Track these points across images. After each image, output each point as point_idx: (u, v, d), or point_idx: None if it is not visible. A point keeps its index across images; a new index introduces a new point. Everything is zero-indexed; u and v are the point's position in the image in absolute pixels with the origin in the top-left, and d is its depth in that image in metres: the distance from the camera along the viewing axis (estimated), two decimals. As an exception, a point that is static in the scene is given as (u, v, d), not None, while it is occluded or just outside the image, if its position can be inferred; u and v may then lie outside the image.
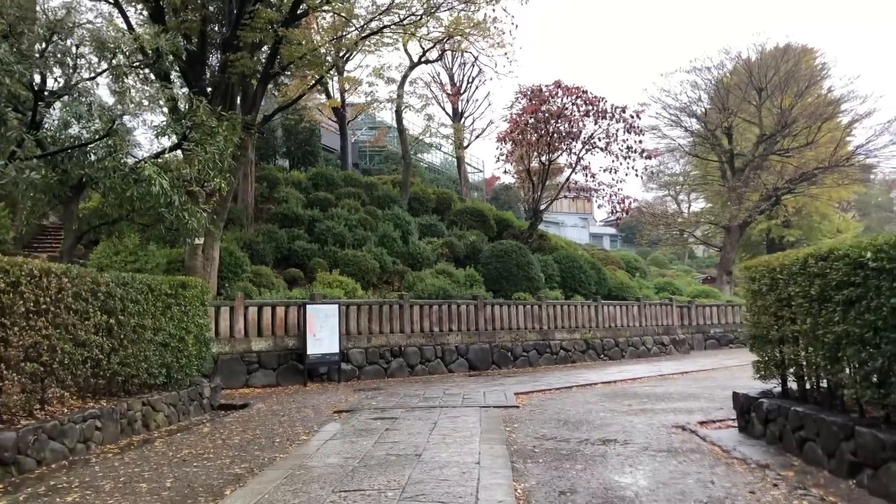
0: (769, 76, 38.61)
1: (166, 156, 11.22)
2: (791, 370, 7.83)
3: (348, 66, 31.37)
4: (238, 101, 18.92)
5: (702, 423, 9.27)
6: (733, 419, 9.37)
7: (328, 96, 30.02)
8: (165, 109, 12.91)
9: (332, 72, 28.10)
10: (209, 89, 17.34)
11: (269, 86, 21.19)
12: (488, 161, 67.40)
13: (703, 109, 41.13)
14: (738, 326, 29.66)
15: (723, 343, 28.89)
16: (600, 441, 8.14)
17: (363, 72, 41.81)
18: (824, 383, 7.25)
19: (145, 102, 10.87)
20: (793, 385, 8.00)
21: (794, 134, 38.23)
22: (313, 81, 18.56)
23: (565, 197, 29.76)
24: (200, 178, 11.23)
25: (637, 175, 27.60)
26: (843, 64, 69.21)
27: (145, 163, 10.19)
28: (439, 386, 15.38)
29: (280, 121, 33.08)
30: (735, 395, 8.73)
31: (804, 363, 7.35)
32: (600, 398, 12.38)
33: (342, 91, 31.12)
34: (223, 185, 11.01)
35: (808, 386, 7.54)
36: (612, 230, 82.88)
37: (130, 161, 11.13)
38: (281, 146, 33.48)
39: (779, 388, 8.34)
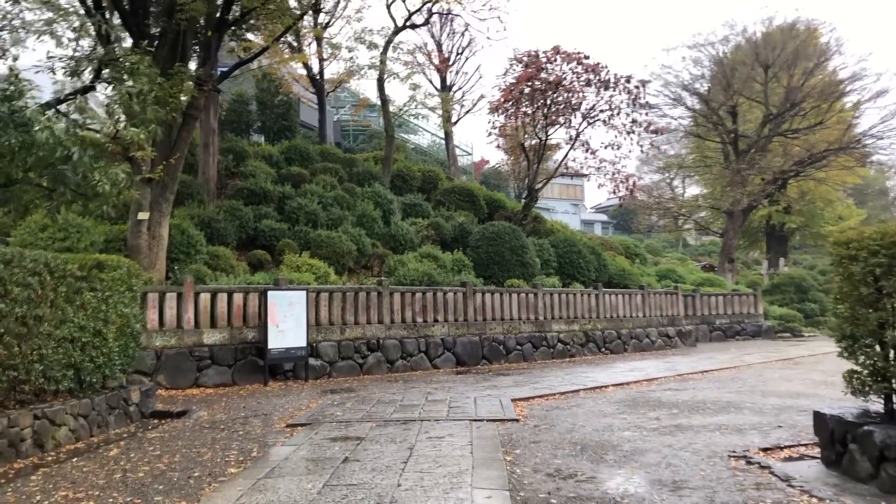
0: (776, 53, 36.39)
1: (78, 101, 8.73)
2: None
3: (326, 34, 28.88)
4: (195, 56, 16.49)
5: (765, 450, 6.99)
6: (806, 444, 7.12)
7: (297, 50, 27.18)
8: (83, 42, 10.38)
9: (307, 34, 25.61)
10: (156, 40, 14.84)
11: (233, 44, 18.67)
12: (478, 143, 64.88)
13: (706, 87, 38.84)
14: (744, 317, 27.67)
15: (729, 335, 26.82)
16: (640, 483, 5.85)
17: (343, 37, 38.65)
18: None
19: (40, 24, 8.36)
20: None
21: (803, 114, 36.08)
22: (282, 30, 15.91)
23: (563, 174, 27.43)
24: (117, 130, 8.77)
25: (642, 151, 25.19)
26: (855, 40, 66.69)
27: (34, 105, 7.71)
28: (422, 387, 13.06)
29: (255, 94, 30.61)
30: (819, 416, 6.45)
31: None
32: (618, 408, 10.09)
33: (320, 59, 28.58)
34: (141, 136, 8.56)
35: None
36: (604, 217, 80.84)
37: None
38: (255, 120, 30.94)
39: (880, 408, 6.10)
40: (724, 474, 6.04)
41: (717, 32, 70.29)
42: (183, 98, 15.20)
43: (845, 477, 5.88)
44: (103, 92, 8.92)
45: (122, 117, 8.72)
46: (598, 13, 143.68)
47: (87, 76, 8.95)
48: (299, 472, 6.26)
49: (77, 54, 8.63)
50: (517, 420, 9.09)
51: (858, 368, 6.16)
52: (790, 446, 7.12)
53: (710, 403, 10.19)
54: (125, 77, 8.39)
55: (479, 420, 8.95)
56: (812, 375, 13.68)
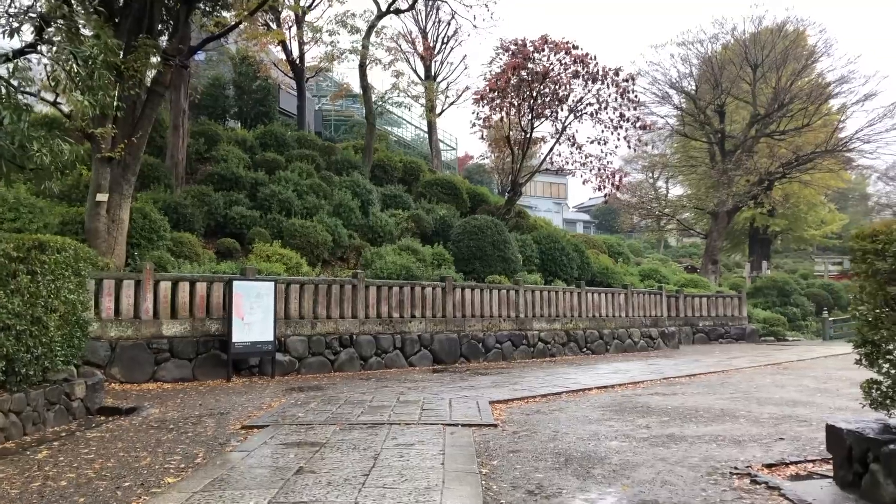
0: (765, 53, 35.97)
1: (15, 63, 7.81)
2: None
3: (307, 17, 27.94)
4: (166, 31, 15.53)
5: (769, 466, 6.29)
6: (814, 461, 6.44)
7: (276, 22, 26.08)
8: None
9: (287, 17, 24.70)
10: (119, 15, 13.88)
11: (206, 20, 17.72)
12: (462, 139, 63.99)
13: (694, 86, 38.34)
14: (728, 320, 27.17)
15: (712, 337, 26.33)
16: (634, 504, 5.12)
17: (325, 20, 36.97)
18: None
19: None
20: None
21: (791, 115, 35.68)
22: (256, 4, 14.93)
23: (547, 169, 26.70)
24: (57, 95, 7.88)
25: (630, 147, 24.46)
26: (844, 41, 66.14)
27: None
28: (395, 386, 12.29)
29: (232, 78, 29.60)
30: (834, 431, 5.74)
31: None
32: (604, 413, 9.37)
33: (300, 42, 27.60)
34: (86, 104, 7.68)
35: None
36: (586, 216, 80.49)
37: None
38: (232, 106, 29.89)
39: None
40: (727, 496, 5.32)
41: (706, 30, 70.00)
42: (149, 73, 14.35)
43: (865, 501, 5.18)
44: (47, 55, 8.02)
45: (68, 84, 7.84)
46: (587, 7, 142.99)
47: (28, 35, 8.08)
48: (244, 485, 5.46)
49: (14, 10, 7.75)
50: (495, 425, 8.33)
51: (880, 378, 5.46)
52: (796, 462, 6.42)
53: (702, 411, 9.50)
54: (72, 37, 7.52)
55: (453, 425, 8.18)
56: (805, 382, 13.06)
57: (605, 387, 12.22)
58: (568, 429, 8.15)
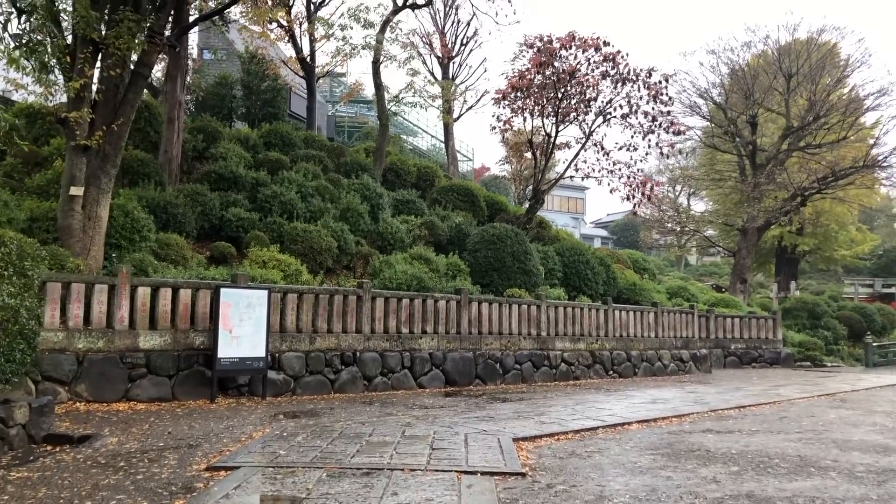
0: (800, 62, 34.15)
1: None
2: None
3: (320, 13, 26.53)
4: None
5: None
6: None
7: (287, 29, 24.57)
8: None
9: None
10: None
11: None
12: (479, 150, 62.44)
13: (724, 95, 36.56)
14: (761, 343, 25.30)
15: (745, 361, 24.48)
16: None
17: (337, 16, 35.22)
18: None
19: None
20: None
21: (827, 127, 33.79)
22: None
23: (570, 178, 25.01)
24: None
25: (662, 154, 22.75)
26: (884, 51, 63.88)
27: None
28: (401, 414, 10.61)
29: (240, 77, 28.21)
30: None
31: None
32: (655, 459, 7.62)
33: (311, 39, 26.15)
34: (23, 62, 6.13)
35: None
36: (604, 232, 78.69)
37: None
38: (240, 106, 28.48)
39: None
40: None
41: (738, 37, 68.21)
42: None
43: None
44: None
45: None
46: (614, 14, 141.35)
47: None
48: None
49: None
50: (523, 474, 6.62)
51: None
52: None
53: (776, 457, 7.72)
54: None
55: (471, 473, 6.48)
56: (877, 419, 11.25)
57: (646, 420, 10.46)
58: (616, 482, 6.42)
